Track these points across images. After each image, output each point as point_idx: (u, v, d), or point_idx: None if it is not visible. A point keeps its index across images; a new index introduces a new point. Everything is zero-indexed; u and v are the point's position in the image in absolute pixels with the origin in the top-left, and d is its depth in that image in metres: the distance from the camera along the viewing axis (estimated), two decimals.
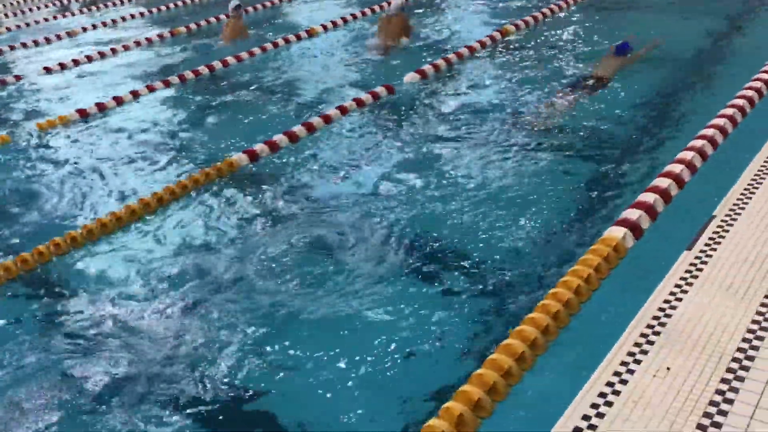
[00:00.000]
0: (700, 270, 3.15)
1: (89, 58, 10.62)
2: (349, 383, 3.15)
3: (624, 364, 2.66)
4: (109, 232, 4.98)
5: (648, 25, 8.56)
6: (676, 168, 4.31)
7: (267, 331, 3.63)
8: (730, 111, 5.09)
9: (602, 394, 2.53)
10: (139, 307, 4.02)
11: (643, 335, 2.80)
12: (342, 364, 3.27)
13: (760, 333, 2.71)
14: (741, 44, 7.68)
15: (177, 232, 4.95)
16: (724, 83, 6.26)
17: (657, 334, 2.79)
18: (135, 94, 8.36)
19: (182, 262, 4.50)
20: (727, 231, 3.41)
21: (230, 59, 9.38)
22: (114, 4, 16.53)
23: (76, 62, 10.44)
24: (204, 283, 4.20)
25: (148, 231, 5.01)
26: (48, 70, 10.10)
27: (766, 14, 8.72)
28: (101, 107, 8.00)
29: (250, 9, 13.19)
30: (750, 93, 5.42)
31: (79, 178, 6.12)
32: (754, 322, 2.77)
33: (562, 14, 9.74)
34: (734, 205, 3.64)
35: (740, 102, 5.25)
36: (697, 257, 3.25)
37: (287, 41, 10.12)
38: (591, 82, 6.82)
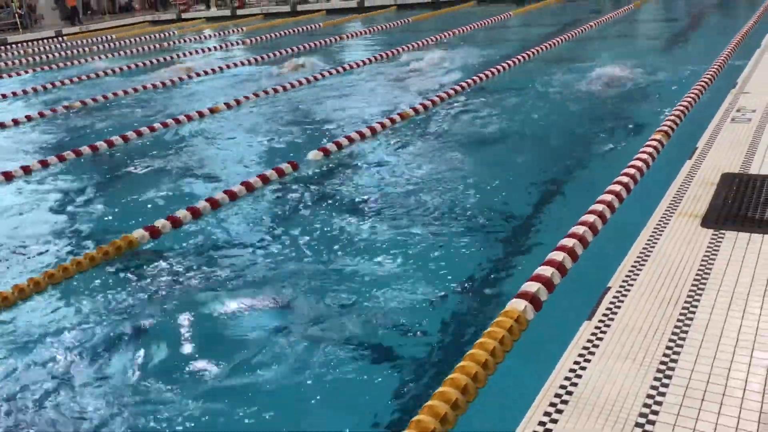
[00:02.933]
0: (600, 339, 3.30)
1: None
2: None
3: None
4: None
5: (531, 109, 9.18)
6: (569, 242, 4.55)
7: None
8: (616, 187, 5.46)
9: None
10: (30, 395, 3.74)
11: (552, 404, 2.87)
12: None
13: (657, 398, 2.85)
14: (635, 107, 8.33)
15: (71, 314, 4.68)
16: (609, 161, 6.73)
17: (565, 402, 2.87)
18: (26, 170, 8.00)
19: (72, 346, 4.24)
20: (622, 301, 3.60)
21: (131, 134, 9.21)
22: (1, 76, 15.99)
23: None
24: (101, 371, 3.98)
25: (37, 313, 4.71)
26: None
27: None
28: None
29: (149, 86, 13.08)
30: (632, 171, 5.84)
31: None
32: (652, 387, 2.91)
33: (457, 98, 10.23)
34: (626, 276, 3.86)
35: (625, 179, 5.64)
36: (597, 327, 3.40)
37: (189, 118, 10.06)
38: None
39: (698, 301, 3.49)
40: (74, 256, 5.45)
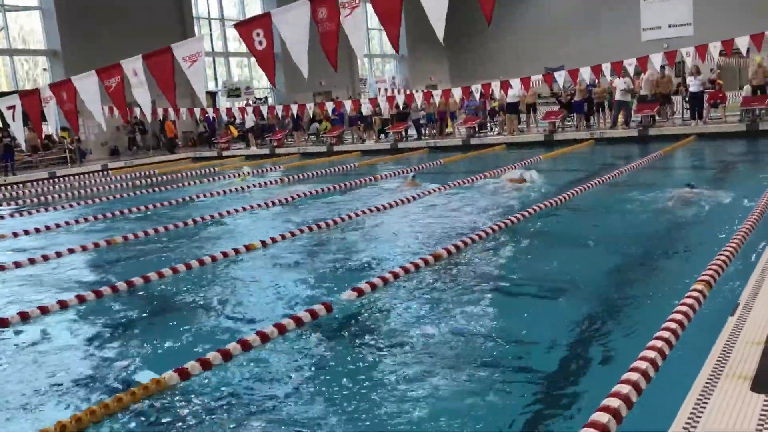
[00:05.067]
0: None
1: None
2: None
3: None
4: None
5: (559, 256, 9.18)
6: (614, 402, 4.36)
7: None
8: (658, 343, 5.30)
9: None
10: None
11: None
12: None
13: None
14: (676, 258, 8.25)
15: None
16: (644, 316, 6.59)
17: None
18: (63, 305, 8.09)
19: None
20: None
21: (166, 271, 9.35)
22: (47, 210, 16.63)
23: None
24: None
25: None
26: None
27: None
28: (4, 324, 7.60)
29: (189, 222, 13.46)
30: (674, 326, 5.68)
31: None
32: None
33: (488, 241, 10.29)
34: None
35: (666, 334, 5.48)
36: None
37: (225, 255, 10.23)
38: None
39: None
40: (102, 399, 5.38)
